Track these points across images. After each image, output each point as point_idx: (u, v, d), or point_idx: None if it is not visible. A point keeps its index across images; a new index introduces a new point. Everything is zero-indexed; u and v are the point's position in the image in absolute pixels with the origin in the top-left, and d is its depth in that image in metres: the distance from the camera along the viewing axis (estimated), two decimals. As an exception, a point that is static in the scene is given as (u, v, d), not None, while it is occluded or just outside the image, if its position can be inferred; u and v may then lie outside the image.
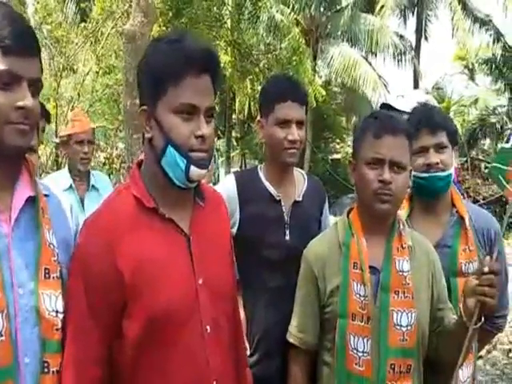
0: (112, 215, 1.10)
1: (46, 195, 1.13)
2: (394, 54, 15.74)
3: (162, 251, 1.10)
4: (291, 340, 1.52)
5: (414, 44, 18.05)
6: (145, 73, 1.13)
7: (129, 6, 7.72)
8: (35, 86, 1.04)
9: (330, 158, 18.18)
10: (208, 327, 1.14)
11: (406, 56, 16.50)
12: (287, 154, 1.67)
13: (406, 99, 2.37)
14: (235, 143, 18.30)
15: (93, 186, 2.79)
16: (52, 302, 1.04)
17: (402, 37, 17.15)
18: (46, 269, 1.04)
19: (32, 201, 1.07)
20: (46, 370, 1.01)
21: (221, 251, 1.25)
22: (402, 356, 1.35)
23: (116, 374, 1.10)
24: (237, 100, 13.60)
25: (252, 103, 11.92)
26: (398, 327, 1.36)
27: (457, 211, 1.67)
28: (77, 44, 9.45)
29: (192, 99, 1.07)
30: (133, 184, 1.14)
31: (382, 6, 16.13)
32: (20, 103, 0.99)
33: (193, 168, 1.08)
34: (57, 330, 1.04)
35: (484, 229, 1.66)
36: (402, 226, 1.47)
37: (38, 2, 9.58)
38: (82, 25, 9.44)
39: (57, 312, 1.04)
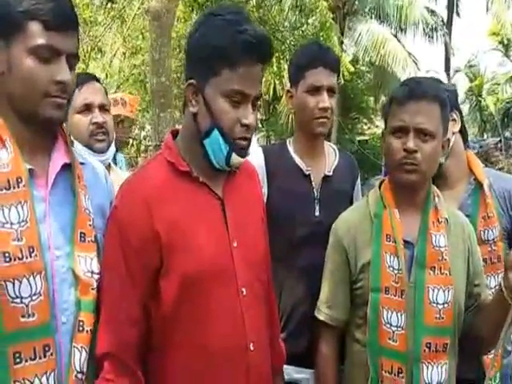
0: (147, 179, 1.13)
1: (81, 163, 1.16)
2: (424, 30, 15.16)
3: (197, 213, 1.13)
4: (320, 316, 1.48)
5: (445, 19, 17.37)
6: (199, 46, 1.11)
7: (154, -15, 7.66)
8: (72, 61, 1.06)
9: (358, 139, 17.85)
10: (244, 289, 1.15)
11: (438, 32, 15.86)
12: (318, 123, 1.63)
13: None
14: (260, 125, 18.18)
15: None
16: (87, 263, 1.07)
17: (433, 12, 16.49)
18: (81, 233, 1.08)
19: (68, 168, 1.10)
20: (80, 328, 1.04)
21: (254, 218, 1.26)
22: (439, 334, 1.31)
23: (153, 331, 1.12)
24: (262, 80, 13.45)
25: (277, 82, 11.72)
26: (434, 304, 1.31)
27: (474, 178, 1.62)
28: (104, 25, 9.48)
29: (244, 87, 1.09)
30: (166, 149, 1.16)
31: (413, -19, 15.50)
32: (58, 77, 1.01)
33: (234, 156, 1.11)
34: (92, 289, 1.07)
35: (505, 191, 1.60)
36: (437, 199, 1.41)
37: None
38: (109, 5, 9.44)
39: (92, 272, 1.08)
